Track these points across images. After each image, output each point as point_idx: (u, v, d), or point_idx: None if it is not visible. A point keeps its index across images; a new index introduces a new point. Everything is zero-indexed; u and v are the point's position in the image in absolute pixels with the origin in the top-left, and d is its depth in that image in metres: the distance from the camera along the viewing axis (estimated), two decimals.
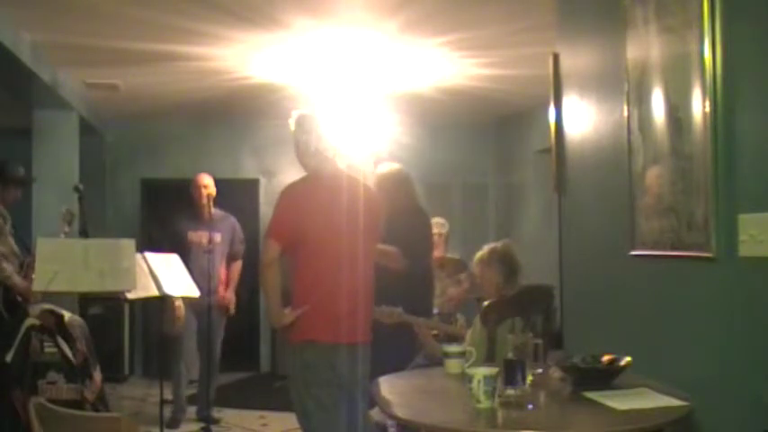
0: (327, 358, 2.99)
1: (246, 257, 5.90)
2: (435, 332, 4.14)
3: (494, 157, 8.26)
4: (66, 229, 4.51)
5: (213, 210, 5.47)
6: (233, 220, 5.74)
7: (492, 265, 3.46)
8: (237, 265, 5.77)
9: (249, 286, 7.12)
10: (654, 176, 2.47)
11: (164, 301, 4.84)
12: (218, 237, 5.48)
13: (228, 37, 4.83)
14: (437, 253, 4.97)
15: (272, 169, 8.01)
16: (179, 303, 5.15)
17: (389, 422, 3.42)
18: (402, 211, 4.06)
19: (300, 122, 3.20)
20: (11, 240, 4.26)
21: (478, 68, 5.66)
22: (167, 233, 5.63)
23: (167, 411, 5.47)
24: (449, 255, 5.49)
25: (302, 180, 3.18)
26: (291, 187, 3.16)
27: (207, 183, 5.52)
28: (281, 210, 3.10)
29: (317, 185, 3.13)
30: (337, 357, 3.00)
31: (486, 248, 3.53)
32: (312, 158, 3.17)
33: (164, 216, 5.92)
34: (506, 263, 3.47)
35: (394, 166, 4.29)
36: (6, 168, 4.51)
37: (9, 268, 4.09)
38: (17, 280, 4.07)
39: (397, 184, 4.15)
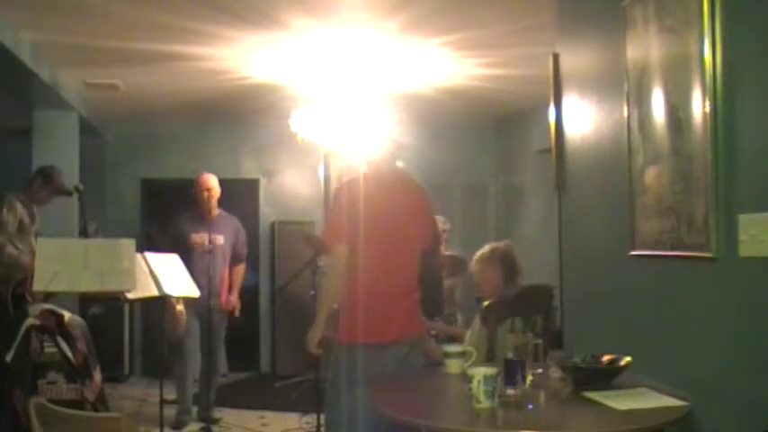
0: (373, 359, 2.95)
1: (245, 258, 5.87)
2: (434, 332, 4.14)
3: (494, 157, 8.26)
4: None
5: (217, 210, 5.44)
6: (237, 222, 5.69)
7: (492, 264, 3.46)
8: (241, 269, 5.73)
9: (249, 287, 7.12)
10: (654, 176, 2.47)
11: (165, 303, 4.83)
12: (220, 238, 5.44)
13: (228, 37, 4.82)
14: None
15: (272, 169, 8.02)
16: (180, 308, 5.14)
17: None
18: None
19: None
20: (32, 240, 4.30)
21: (478, 68, 5.66)
22: (169, 234, 5.59)
23: (172, 413, 5.48)
24: (448, 252, 5.49)
25: (358, 179, 3.16)
26: (350, 184, 3.14)
27: (211, 185, 5.45)
28: (339, 209, 3.07)
29: (374, 184, 3.11)
30: (383, 358, 2.97)
31: (487, 248, 3.53)
32: (379, 158, 3.19)
33: (164, 216, 5.90)
34: (507, 263, 3.47)
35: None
36: (52, 173, 4.76)
37: (15, 253, 4.13)
38: (26, 259, 4.13)
39: None
